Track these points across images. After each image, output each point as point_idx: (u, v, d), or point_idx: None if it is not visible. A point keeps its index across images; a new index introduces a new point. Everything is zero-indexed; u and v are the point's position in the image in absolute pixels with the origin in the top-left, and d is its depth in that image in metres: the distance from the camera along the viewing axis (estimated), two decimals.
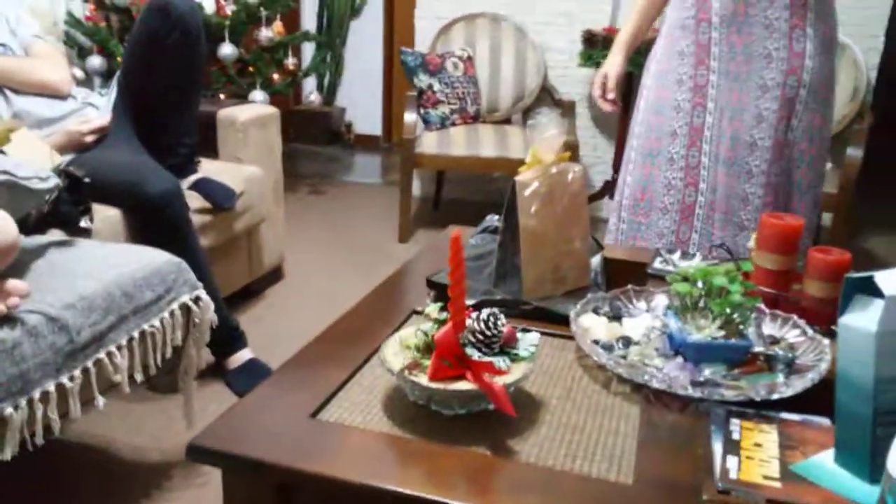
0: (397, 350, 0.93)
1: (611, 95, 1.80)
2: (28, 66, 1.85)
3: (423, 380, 0.87)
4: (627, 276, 1.32)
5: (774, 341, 1.04)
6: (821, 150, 1.62)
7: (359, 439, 0.84)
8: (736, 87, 1.60)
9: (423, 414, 0.89)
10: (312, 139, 4.98)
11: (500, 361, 0.89)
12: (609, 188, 3.33)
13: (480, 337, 0.90)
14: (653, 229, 1.74)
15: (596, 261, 1.38)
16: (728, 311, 0.98)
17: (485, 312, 0.92)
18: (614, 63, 1.81)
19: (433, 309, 0.96)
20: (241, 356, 1.92)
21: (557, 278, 1.29)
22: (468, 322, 0.92)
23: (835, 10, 1.59)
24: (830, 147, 1.70)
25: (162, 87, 1.92)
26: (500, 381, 0.86)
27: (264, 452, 0.80)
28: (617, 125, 3.28)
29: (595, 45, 3.05)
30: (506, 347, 0.93)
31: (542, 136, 1.28)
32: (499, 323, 0.91)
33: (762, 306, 1.10)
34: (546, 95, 3.44)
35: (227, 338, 1.89)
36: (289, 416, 0.88)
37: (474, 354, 0.89)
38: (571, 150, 3.01)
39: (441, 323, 0.92)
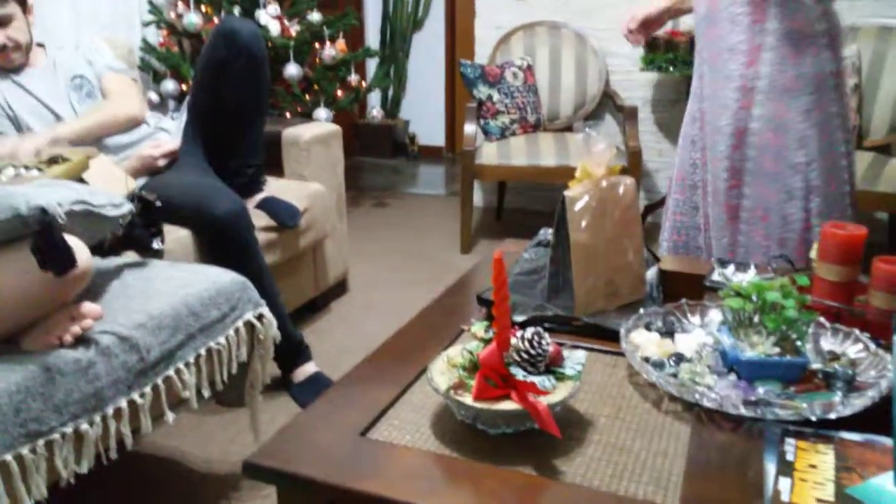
0: (444, 369, 0.95)
1: (632, 25, 1.90)
2: (109, 115, 1.95)
3: (469, 399, 0.88)
4: (685, 288, 1.30)
5: (834, 357, 1.00)
6: (789, 140, 1.62)
7: (406, 458, 0.86)
8: (713, 78, 1.70)
9: (470, 433, 0.91)
10: (377, 152, 5.07)
11: (545, 381, 0.90)
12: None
13: (525, 356, 0.91)
14: (688, 204, 1.86)
15: (651, 273, 1.37)
16: (783, 327, 0.96)
17: (529, 331, 0.92)
18: (653, 4, 1.89)
19: (479, 328, 0.97)
20: (306, 370, 1.97)
21: (611, 292, 1.29)
22: (513, 341, 0.93)
23: (810, 6, 1.58)
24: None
25: (229, 111, 2.00)
26: (544, 401, 0.86)
27: (315, 470, 0.83)
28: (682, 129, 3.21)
29: (657, 49, 3.00)
30: (552, 366, 0.94)
31: (592, 150, 1.27)
32: (543, 342, 0.92)
33: (822, 320, 1.07)
34: (608, 101, 3.41)
35: (292, 352, 1.95)
36: (340, 435, 0.90)
37: (519, 374, 0.90)
38: (634, 155, 3.00)
39: (487, 342, 0.94)
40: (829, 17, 1.61)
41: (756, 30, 1.60)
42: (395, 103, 5.11)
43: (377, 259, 3.07)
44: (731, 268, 1.37)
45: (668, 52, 2.95)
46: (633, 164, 2.99)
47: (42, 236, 1.11)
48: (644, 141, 3.38)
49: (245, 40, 1.91)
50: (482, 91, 3.19)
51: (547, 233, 1.54)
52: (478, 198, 3.75)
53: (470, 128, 3.14)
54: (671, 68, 2.95)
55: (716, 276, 1.36)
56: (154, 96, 2.97)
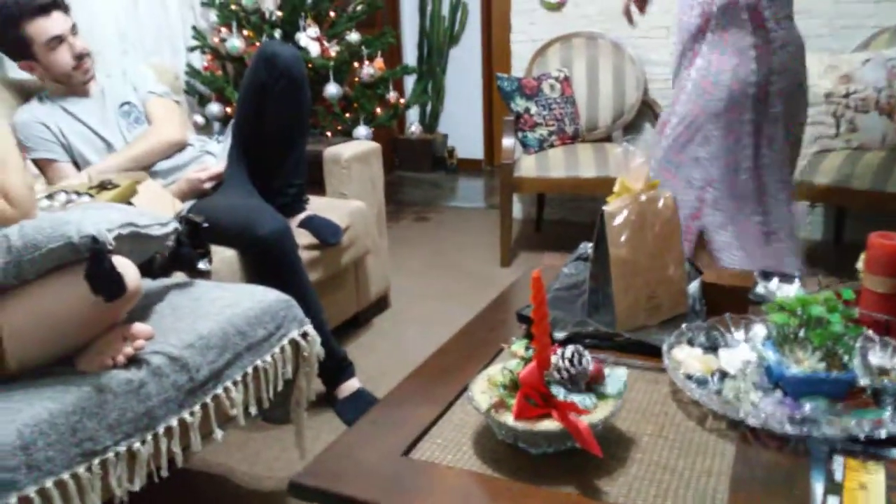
0: (485, 388, 0.95)
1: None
2: (155, 142, 2.02)
3: (509, 419, 0.88)
4: (728, 301, 1.29)
5: (883, 372, 0.98)
6: (697, 136, 1.85)
7: (448, 478, 0.87)
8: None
9: (511, 452, 0.91)
10: (416, 166, 5.11)
11: (586, 400, 0.90)
12: None
13: (566, 374, 0.91)
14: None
15: (694, 287, 1.36)
16: (828, 342, 0.94)
17: (569, 350, 0.93)
18: None
19: (519, 346, 0.97)
20: (350, 386, 1.99)
21: (652, 307, 1.28)
22: (554, 359, 0.93)
23: (746, 24, 1.77)
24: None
25: (271, 132, 2.05)
26: (585, 420, 0.86)
27: (359, 490, 0.85)
28: None
29: None
30: (593, 384, 0.94)
31: (630, 165, 1.27)
32: (584, 360, 0.92)
33: (870, 334, 1.04)
34: (647, 110, 3.38)
35: (335, 368, 1.97)
36: (382, 455, 0.92)
37: (560, 393, 0.90)
38: None
39: (527, 360, 0.94)
40: (761, 33, 1.77)
41: (699, 38, 1.84)
42: (433, 117, 5.15)
43: (418, 274, 3.09)
44: (774, 281, 1.35)
45: None
46: None
47: (93, 263, 1.15)
48: None
49: (285, 63, 1.96)
50: (520, 104, 3.20)
51: (587, 247, 1.54)
52: (517, 210, 3.74)
53: (508, 141, 3.15)
54: None
55: (759, 290, 1.34)
56: (199, 119, 3.05)
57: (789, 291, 1.27)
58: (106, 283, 1.17)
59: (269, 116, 2.01)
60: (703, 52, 1.82)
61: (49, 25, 1.90)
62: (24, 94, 2.11)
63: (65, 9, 1.94)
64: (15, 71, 2.29)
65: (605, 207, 1.25)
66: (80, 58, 1.98)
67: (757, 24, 1.77)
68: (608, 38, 3.36)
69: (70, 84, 2.02)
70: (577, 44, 3.39)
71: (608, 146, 3.18)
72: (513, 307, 1.35)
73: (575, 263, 1.51)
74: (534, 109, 3.20)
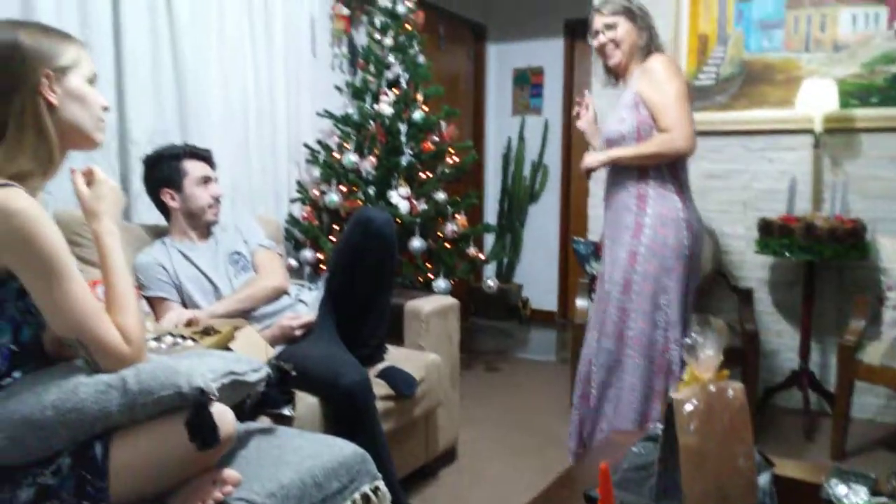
0: None
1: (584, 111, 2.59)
2: (259, 289, 2.24)
3: None
4: (800, 496, 1.28)
5: None
6: (658, 287, 2.30)
7: None
8: (611, 247, 2.42)
9: None
10: (490, 314, 5.22)
11: None
12: (797, 378, 3.16)
13: None
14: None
15: (764, 479, 1.36)
16: None
17: None
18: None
19: None
20: None
21: (721, 497, 1.29)
22: None
23: (674, 199, 2.31)
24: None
25: (360, 288, 2.21)
26: None
27: None
28: (801, 310, 3.16)
29: (772, 234, 3.04)
30: None
31: (699, 356, 1.33)
32: None
33: None
34: (722, 280, 3.42)
35: None
36: None
37: None
38: (750, 336, 2.97)
39: None
40: (686, 208, 2.32)
41: (640, 214, 2.32)
42: (509, 268, 5.31)
43: (487, 427, 3.11)
44: (843, 488, 1.33)
45: (782, 237, 2.98)
46: (750, 348, 2.96)
47: (195, 412, 1.26)
48: (762, 322, 3.35)
49: (378, 227, 2.15)
50: (595, 267, 3.31)
51: (657, 427, 1.57)
52: None
53: (582, 302, 3.23)
54: (787, 253, 2.96)
55: (830, 490, 1.33)
56: (293, 262, 3.28)
57: (860, 495, 1.26)
58: (203, 432, 1.27)
59: (360, 274, 2.18)
60: (648, 224, 2.30)
61: (203, 167, 2.31)
62: (152, 234, 2.38)
63: (213, 164, 2.37)
64: (140, 217, 2.58)
65: (674, 395, 1.30)
66: (216, 200, 2.33)
67: (685, 204, 2.34)
68: None
69: (199, 221, 2.31)
70: None
71: None
72: (580, 484, 1.38)
73: (644, 443, 1.54)
74: None
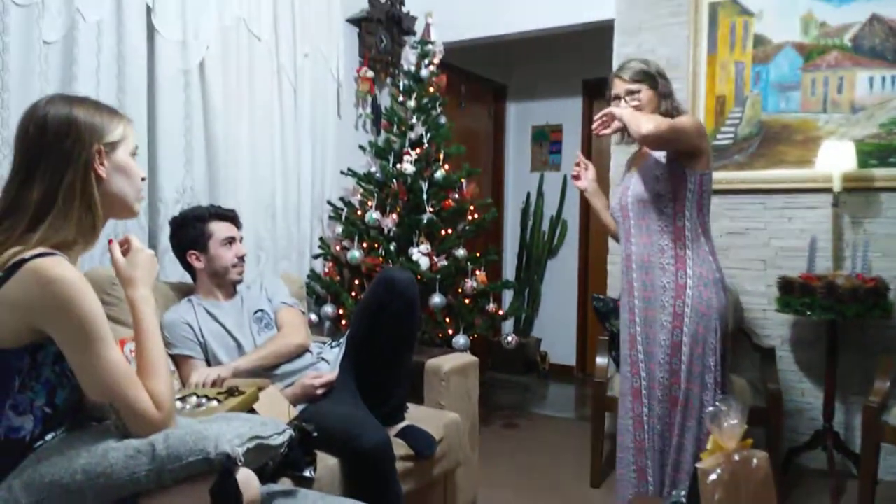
0: None
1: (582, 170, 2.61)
2: (282, 346, 2.27)
3: None
4: None
5: None
6: (706, 349, 2.29)
7: None
8: (646, 307, 2.37)
9: None
10: (509, 368, 5.20)
11: None
12: (821, 439, 3.10)
13: None
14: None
15: None
16: None
17: None
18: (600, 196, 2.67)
19: None
20: None
21: None
22: None
23: (709, 259, 2.33)
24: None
25: (382, 347, 2.23)
26: None
27: None
28: (824, 369, 3.13)
29: (792, 293, 3.03)
30: None
31: (723, 425, 1.33)
32: None
33: None
34: (744, 338, 3.40)
35: None
36: None
37: None
38: (773, 397, 2.93)
39: None
40: (719, 271, 2.35)
41: (680, 274, 2.31)
42: (527, 322, 5.31)
43: (505, 486, 3.08)
44: None
45: (803, 296, 2.96)
46: (773, 407, 2.92)
47: (220, 481, 1.28)
48: (785, 380, 3.31)
49: (401, 287, 2.18)
50: (614, 324, 3.30)
51: (680, 495, 1.56)
52: (609, 424, 3.71)
53: (602, 360, 3.22)
54: (808, 312, 2.95)
55: None
56: (314, 317, 3.31)
57: None
58: (227, 500, 1.29)
59: (382, 333, 2.21)
60: (690, 285, 2.29)
61: (228, 228, 2.37)
62: (179, 292, 2.43)
63: (238, 224, 2.42)
64: (167, 273, 2.64)
65: (698, 465, 1.30)
66: (241, 259, 2.38)
67: (717, 264, 2.36)
68: None
69: (223, 280, 2.36)
70: None
71: None
72: None
73: None
74: None
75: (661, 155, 2.32)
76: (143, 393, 1.27)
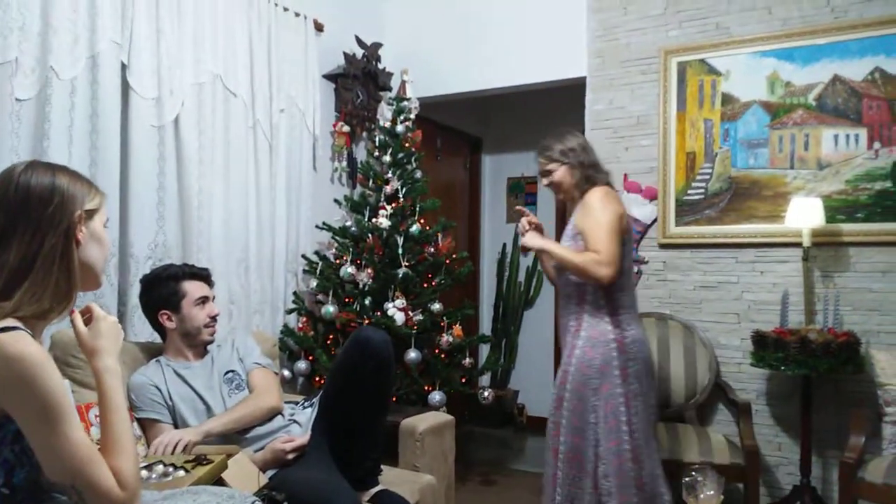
0: None
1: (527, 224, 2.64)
2: (254, 408, 2.22)
3: None
4: None
5: None
6: (586, 406, 2.44)
7: None
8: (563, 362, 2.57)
9: None
10: (486, 421, 5.13)
11: None
12: (799, 494, 3.09)
13: None
14: None
15: None
16: None
17: None
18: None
19: None
20: None
21: None
22: None
23: (605, 322, 2.47)
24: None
25: (356, 409, 2.18)
26: None
27: None
28: (800, 423, 3.13)
29: (766, 347, 3.04)
30: None
31: (699, 496, 1.31)
32: None
33: None
34: (720, 392, 3.40)
35: None
36: None
37: None
38: (751, 454, 2.92)
39: None
40: (620, 329, 2.46)
41: (575, 335, 2.50)
42: (504, 374, 5.27)
43: None
44: None
45: (777, 350, 2.98)
46: (751, 464, 2.91)
47: None
48: (762, 434, 3.30)
49: (376, 348, 2.15)
50: None
51: None
52: None
53: None
54: (782, 367, 2.96)
55: None
56: (287, 373, 3.25)
57: None
58: None
59: (356, 395, 2.16)
60: (579, 346, 2.47)
61: (201, 287, 2.33)
62: (147, 353, 2.37)
63: (211, 283, 2.39)
64: (136, 331, 2.58)
65: None
66: (213, 319, 2.33)
67: (616, 323, 2.48)
68: (678, 320, 3.50)
69: (195, 340, 2.32)
70: (647, 323, 3.53)
71: (680, 427, 3.18)
72: None
73: None
74: None
75: (570, 228, 2.56)
76: (107, 471, 1.22)
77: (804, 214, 3.11)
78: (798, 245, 3.20)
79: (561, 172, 2.54)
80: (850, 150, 3.18)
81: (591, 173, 2.53)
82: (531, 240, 2.54)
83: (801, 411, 3.10)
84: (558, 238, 2.72)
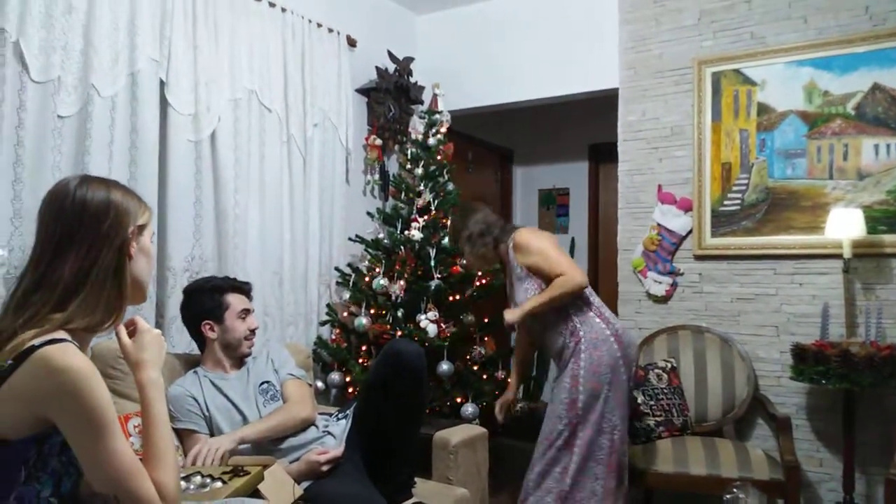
0: None
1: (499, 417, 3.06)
2: (288, 418, 2.24)
3: None
4: None
5: None
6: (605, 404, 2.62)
7: None
8: (558, 370, 2.76)
9: None
10: (518, 434, 5.08)
11: None
12: None
13: None
14: None
15: None
16: None
17: None
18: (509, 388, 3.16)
19: None
20: None
21: None
22: None
23: (596, 321, 2.67)
24: None
25: (390, 422, 2.19)
26: None
27: None
28: (842, 438, 3.05)
29: (806, 360, 2.97)
30: None
31: None
32: None
33: None
34: (759, 406, 3.33)
35: None
36: None
37: None
38: (791, 469, 2.85)
39: None
40: (610, 324, 2.66)
41: (576, 346, 2.62)
42: (537, 387, 5.23)
43: None
44: None
45: (817, 364, 2.91)
46: (791, 478, 2.83)
47: None
48: (802, 450, 3.22)
49: (409, 361, 2.15)
50: None
51: None
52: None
53: None
54: (823, 381, 2.89)
55: None
56: (321, 385, 3.27)
57: None
58: None
59: (389, 408, 2.17)
60: (582, 349, 2.61)
61: (243, 300, 2.38)
62: (184, 363, 2.41)
63: (251, 297, 2.45)
64: (173, 342, 2.62)
65: None
66: (253, 332, 2.38)
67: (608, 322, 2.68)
68: (715, 332, 3.44)
69: (234, 352, 2.35)
70: (683, 336, 3.49)
71: (719, 441, 3.12)
72: None
73: None
74: (640, 398, 3.23)
75: (519, 271, 2.72)
76: (149, 484, 1.24)
77: (844, 225, 3.04)
78: (838, 256, 3.13)
79: (471, 259, 2.85)
80: (892, 159, 3.11)
81: (497, 236, 2.79)
82: (511, 315, 2.68)
83: (844, 426, 3.03)
84: (511, 285, 2.85)
